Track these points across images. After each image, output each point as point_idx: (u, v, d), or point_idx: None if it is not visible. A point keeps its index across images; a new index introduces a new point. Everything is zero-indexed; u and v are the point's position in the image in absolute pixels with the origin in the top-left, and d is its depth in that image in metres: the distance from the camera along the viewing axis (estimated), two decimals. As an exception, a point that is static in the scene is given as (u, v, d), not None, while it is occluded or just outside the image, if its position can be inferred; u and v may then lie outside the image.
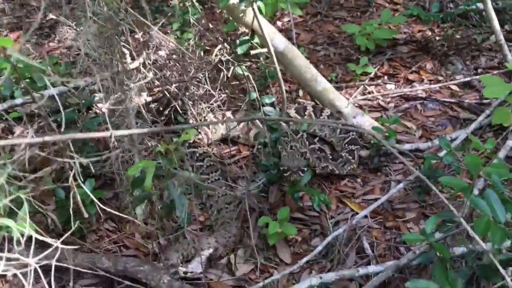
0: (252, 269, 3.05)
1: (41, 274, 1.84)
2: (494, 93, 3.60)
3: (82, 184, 1.88)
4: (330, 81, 4.46)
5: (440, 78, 4.48)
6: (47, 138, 1.51)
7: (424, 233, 2.21)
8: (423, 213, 3.35)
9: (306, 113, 3.89)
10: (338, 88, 4.39)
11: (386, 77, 4.51)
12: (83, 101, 3.13)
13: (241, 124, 3.79)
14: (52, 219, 2.85)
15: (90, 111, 3.25)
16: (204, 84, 3.34)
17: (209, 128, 3.79)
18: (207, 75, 3.35)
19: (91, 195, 2.28)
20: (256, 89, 3.16)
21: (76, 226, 3.07)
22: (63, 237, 1.82)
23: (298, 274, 2.99)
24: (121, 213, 3.32)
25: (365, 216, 3.28)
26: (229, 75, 3.46)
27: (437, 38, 4.87)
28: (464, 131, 3.69)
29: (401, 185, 3.31)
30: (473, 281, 2.64)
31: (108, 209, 2.42)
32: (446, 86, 4.32)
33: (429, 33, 4.96)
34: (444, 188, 3.49)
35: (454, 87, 4.33)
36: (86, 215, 2.16)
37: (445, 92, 4.29)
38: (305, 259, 2.86)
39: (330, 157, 3.59)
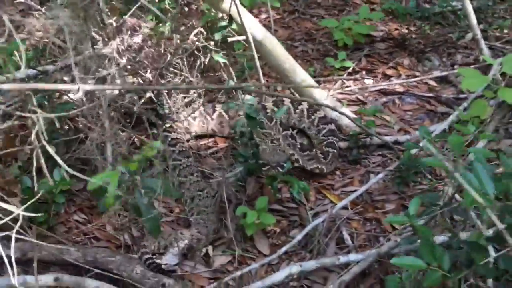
0: (230, 260, 2.95)
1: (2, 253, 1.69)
2: (472, 85, 3.59)
3: (46, 144, 1.73)
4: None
5: (417, 73, 4.47)
6: (5, 86, 1.38)
7: (407, 214, 2.15)
8: (403, 204, 3.30)
9: (298, 108, 3.80)
10: (316, 83, 4.34)
11: (364, 72, 4.48)
12: (53, 86, 2.98)
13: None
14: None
15: (60, 98, 3.10)
16: (181, 72, 3.22)
17: (194, 120, 3.68)
18: (185, 62, 3.23)
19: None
20: (234, 77, 3.06)
21: (43, 216, 2.94)
22: (25, 207, 1.66)
23: (277, 266, 2.89)
24: (91, 204, 3.20)
25: (345, 208, 3.22)
26: (206, 62, 3.35)
27: (414, 36, 4.91)
28: (443, 124, 3.67)
29: (380, 175, 3.27)
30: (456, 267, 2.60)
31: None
32: (424, 81, 4.32)
33: (406, 31, 4.99)
34: (423, 179, 3.47)
35: (432, 82, 4.34)
36: (51, 182, 2.00)
37: (422, 87, 4.29)
38: (284, 249, 2.77)
39: (299, 146, 3.51)
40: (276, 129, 3.52)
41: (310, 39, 5.02)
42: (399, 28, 5.10)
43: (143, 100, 3.52)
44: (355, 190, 3.34)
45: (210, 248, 2.97)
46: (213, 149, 3.67)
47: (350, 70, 4.46)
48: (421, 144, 3.13)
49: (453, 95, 4.16)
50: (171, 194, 2.71)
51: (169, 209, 3.24)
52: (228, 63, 3.20)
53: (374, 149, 3.71)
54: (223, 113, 3.70)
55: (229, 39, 3.25)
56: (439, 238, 2.64)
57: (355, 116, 3.78)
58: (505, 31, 4.86)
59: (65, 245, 2.78)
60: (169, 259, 2.84)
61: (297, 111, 3.81)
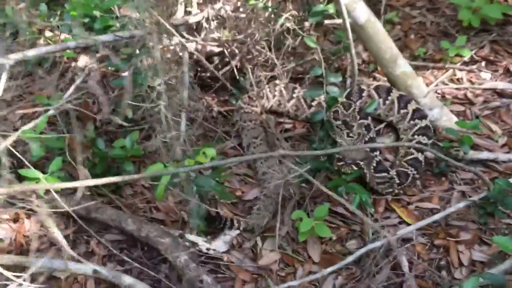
0: (276, 260, 2.90)
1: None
2: None
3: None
4: (417, 57, 3.95)
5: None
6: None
7: None
8: (481, 237, 2.96)
9: (388, 99, 3.46)
10: (423, 68, 3.89)
11: (483, 63, 3.90)
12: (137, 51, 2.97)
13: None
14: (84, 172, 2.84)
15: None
16: (267, 51, 3.03)
17: (273, 97, 3.54)
18: (272, 42, 3.03)
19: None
20: (322, 63, 2.81)
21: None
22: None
23: (322, 278, 2.80)
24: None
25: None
26: (296, 44, 3.11)
27: None
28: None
29: (461, 204, 2.92)
30: None
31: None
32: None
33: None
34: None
35: None
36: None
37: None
38: (330, 269, 2.64)
39: (374, 165, 3.12)
40: (353, 116, 3.25)
41: (432, 9, 4.42)
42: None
43: (228, 67, 3.43)
44: (432, 209, 3.08)
45: (259, 240, 2.95)
46: (289, 133, 3.51)
47: (466, 58, 3.90)
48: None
49: None
50: (224, 197, 2.73)
51: (232, 190, 3.22)
52: (319, 49, 2.92)
53: (467, 163, 3.31)
54: (301, 99, 3.50)
55: (326, 22, 2.94)
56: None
57: (453, 121, 3.38)
58: None
59: (124, 214, 2.91)
60: (218, 246, 2.88)
61: (386, 102, 3.45)
